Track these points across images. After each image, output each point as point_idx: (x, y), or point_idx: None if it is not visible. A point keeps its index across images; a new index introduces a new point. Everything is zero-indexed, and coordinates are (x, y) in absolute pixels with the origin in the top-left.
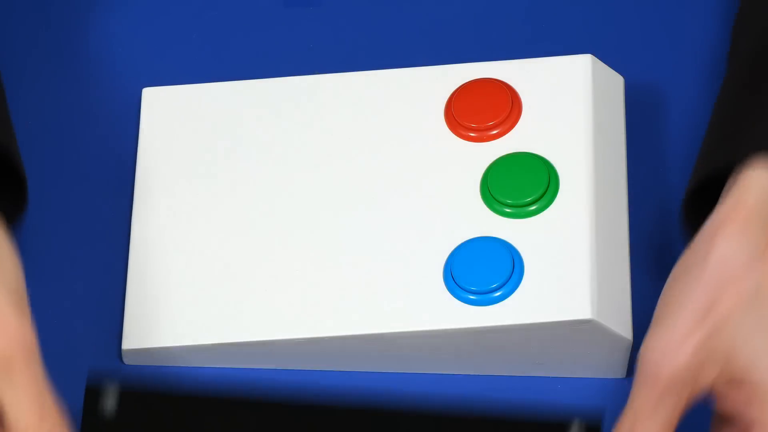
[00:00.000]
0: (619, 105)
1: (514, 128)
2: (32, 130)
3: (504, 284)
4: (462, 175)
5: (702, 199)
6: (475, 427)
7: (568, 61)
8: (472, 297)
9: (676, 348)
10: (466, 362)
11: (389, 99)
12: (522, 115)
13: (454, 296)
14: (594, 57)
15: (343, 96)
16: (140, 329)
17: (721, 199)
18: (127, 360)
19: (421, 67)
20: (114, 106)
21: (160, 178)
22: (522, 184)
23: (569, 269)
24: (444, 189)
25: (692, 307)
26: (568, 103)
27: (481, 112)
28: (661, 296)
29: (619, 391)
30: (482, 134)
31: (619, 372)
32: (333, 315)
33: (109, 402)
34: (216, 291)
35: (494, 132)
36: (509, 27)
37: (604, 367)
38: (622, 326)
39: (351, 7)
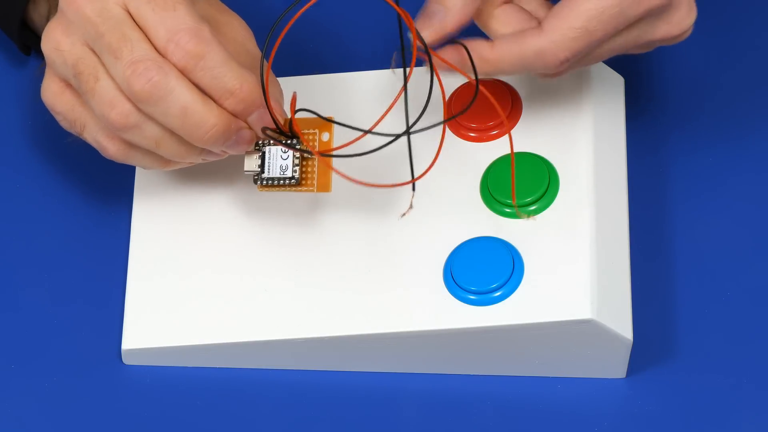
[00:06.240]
0: (619, 105)
1: (514, 128)
2: (33, 130)
3: (504, 284)
4: (462, 175)
5: None
6: None
7: None
8: (472, 297)
9: None
10: (466, 362)
11: (389, 99)
12: (522, 115)
13: (454, 296)
14: None
15: (342, 96)
16: (140, 329)
17: None
18: (127, 360)
19: (422, 67)
20: None
21: (159, 177)
22: (522, 184)
23: (569, 269)
24: (444, 189)
25: None
26: (568, 103)
27: (481, 112)
28: None
29: (619, 391)
30: (482, 134)
31: (619, 372)
32: (333, 315)
33: None
34: (216, 291)
35: (494, 132)
36: None
37: (604, 367)
38: (622, 326)
39: (351, 7)
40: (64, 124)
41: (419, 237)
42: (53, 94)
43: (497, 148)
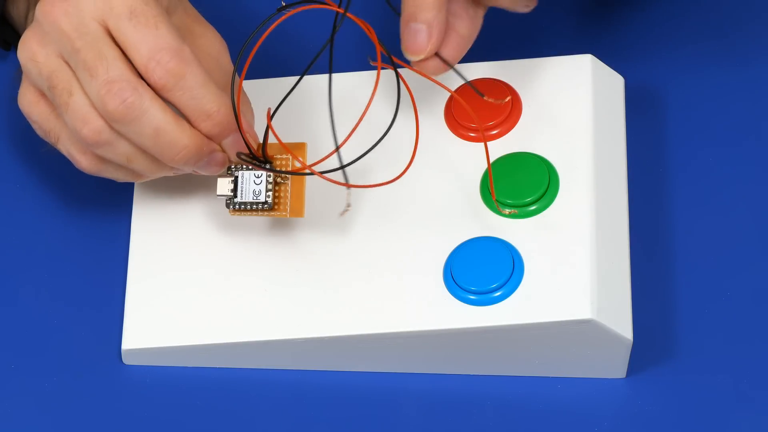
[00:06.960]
0: (619, 105)
1: (514, 128)
2: (33, 130)
3: (504, 284)
4: (462, 175)
5: None
6: None
7: (568, 61)
8: (472, 297)
9: None
10: (466, 362)
11: (389, 99)
12: (522, 115)
13: (454, 296)
14: (594, 57)
15: (342, 96)
16: (140, 329)
17: None
18: (127, 360)
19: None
20: None
21: (160, 179)
22: (522, 184)
23: (569, 269)
24: (444, 189)
25: None
26: (568, 103)
27: (481, 112)
28: None
29: (619, 391)
30: (482, 134)
31: (619, 372)
32: (333, 315)
33: None
34: (215, 291)
35: (494, 132)
36: (509, 27)
37: (604, 367)
38: (622, 326)
39: (351, 8)
40: (39, 132)
41: (419, 237)
42: (29, 102)
43: (497, 148)
